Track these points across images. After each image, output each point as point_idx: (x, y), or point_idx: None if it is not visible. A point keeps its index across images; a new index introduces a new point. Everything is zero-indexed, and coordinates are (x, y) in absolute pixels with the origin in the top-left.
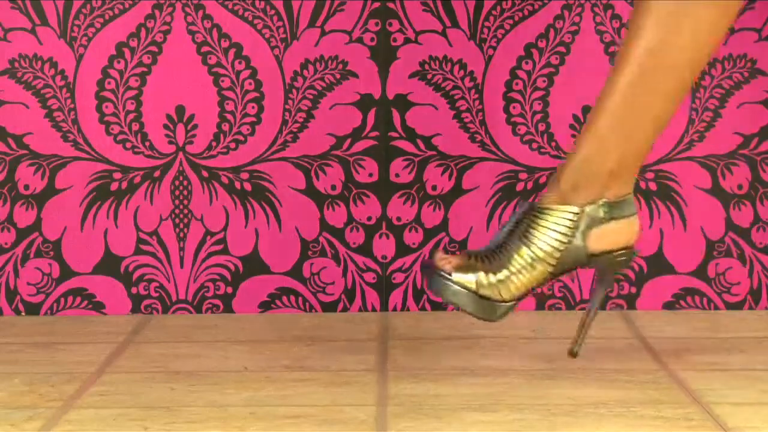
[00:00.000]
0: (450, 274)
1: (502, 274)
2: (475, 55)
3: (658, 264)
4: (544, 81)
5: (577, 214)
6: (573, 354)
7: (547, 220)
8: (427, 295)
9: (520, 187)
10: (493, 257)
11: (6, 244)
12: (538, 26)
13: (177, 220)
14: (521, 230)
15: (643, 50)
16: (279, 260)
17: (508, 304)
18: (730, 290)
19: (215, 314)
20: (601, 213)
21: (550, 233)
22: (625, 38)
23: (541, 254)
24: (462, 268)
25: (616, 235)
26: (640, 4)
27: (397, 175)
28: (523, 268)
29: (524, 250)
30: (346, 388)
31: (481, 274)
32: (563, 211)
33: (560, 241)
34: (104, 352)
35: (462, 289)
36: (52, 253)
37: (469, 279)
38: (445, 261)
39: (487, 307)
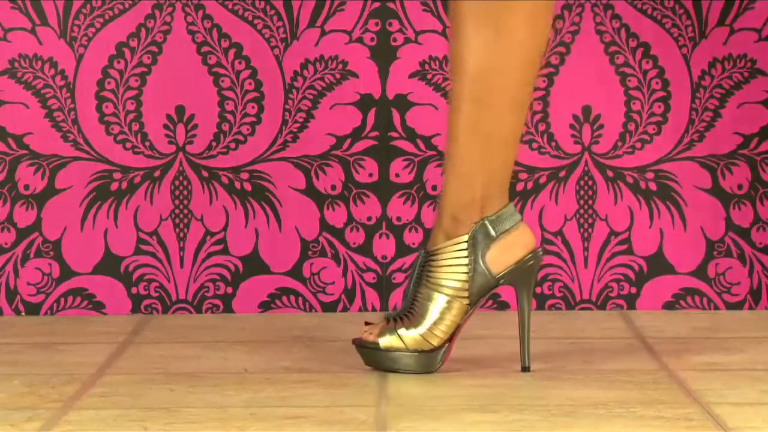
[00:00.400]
0: (377, 344)
1: (423, 326)
2: None
3: (658, 264)
4: (544, 81)
5: (467, 240)
6: (526, 369)
7: (444, 259)
8: None
9: (520, 187)
10: (410, 313)
11: (6, 244)
12: None
13: (177, 220)
14: (425, 278)
15: (471, 76)
16: (279, 260)
17: (442, 349)
18: (730, 290)
19: (215, 314)
20: (491, 231)
21: (452, 269)
22: (451, 61)
23: (452, 292)
24: (385, 334)
25: (511, 248)
26: (455, 18)
27: (397, 175)
28: (441, 313)
29: (435, 295)
30: (346, 389)
31: (403, 332)
32: (455, 244)
33: (464, 273)
34: (104, 352)
35: (396, 353)
36: (52, 253)
37: (396, 341)
38: (367, 333)
39: (425, 360)
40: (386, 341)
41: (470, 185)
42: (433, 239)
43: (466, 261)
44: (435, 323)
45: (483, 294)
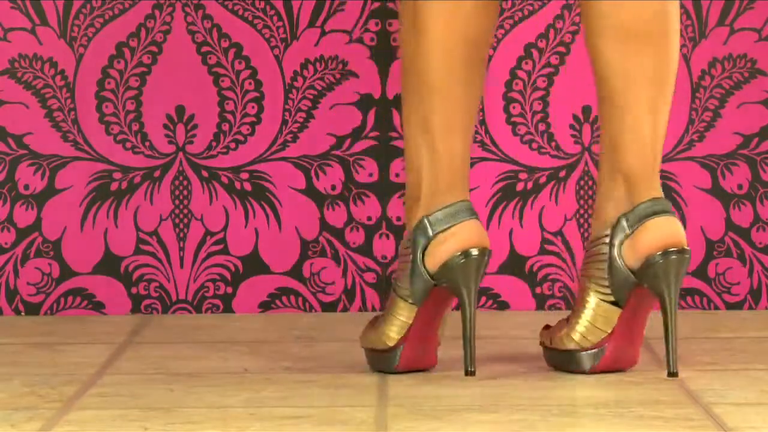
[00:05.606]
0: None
1: (384, 324)
2: None
3: None
4: (544, 81)
5: (408, 240)
6: (471, 373)
7: (399, 259)
8: None
9: (520, 187)
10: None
11: (6, 244)
12: (538, 26)
13: (177, 220)
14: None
15: (405, 69)
16: (279, 260)
17: (397, 349)
18: (730, 290)
19: (215, 314)
20: (429, 230)
21: (403, 268)
22: None
23: (402, 293)
24: (362, 333)
25: (444, 244)
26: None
27: (397, 175)
28: (395, 313)
29: (393, 294)
30: (346, 389)
31: (367, 331)
32: (404, 243)
33: (406, 271)
34: (104, 352)
35: (367, 351)
36: (52, 253)
37: (364, 340)
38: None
39: (379, 359)
40: (362, 341)
41: (418, 180)
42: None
43: (409, 260)
44: (387, 324)
45: (424, 295)
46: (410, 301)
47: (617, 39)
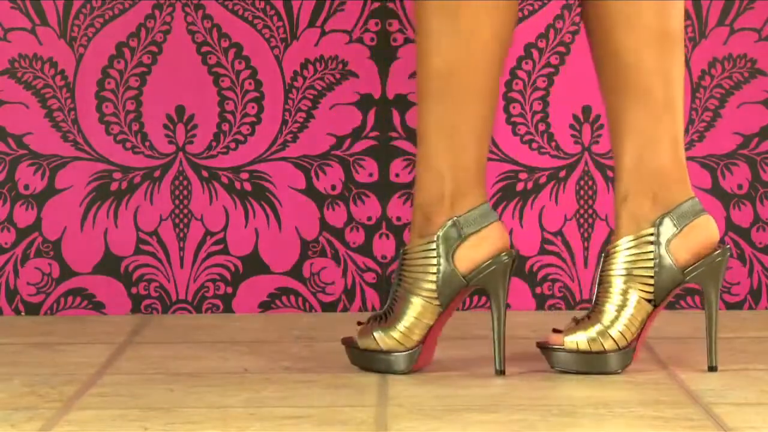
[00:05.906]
0: (356, 343)
1: (396, 328)
2: None
3: None
4: (544, 81)
5: (435, 241)
6: (501, 372)
7: (415, 259)
8: None
9: (520, 187)
10: (388, 313)
11: (6, 244)
12: (538, 26)
13: (177, 220)
14: (401, 278)
15: (435, 72)
16: (279, 260)
17: (414, 350)
18: (730, 290)
19: (215, 314)
20: (454, 233)
21: (423, 270)
22: (417, 58)
23: (422, 293)
24: (363, 334)
25: (477, 247)
26: (418, 16)
27: (397, 175)
28: (413, 314)
29: (408, 296)
30: (346, 389)
31: (378, 333)
32: (425, 244)
33: (433, 273)
34: (104, 352)
35: (373, 354)
36: (52, 253)
37: (372, 342)
38: (355, 335)
39: (396, 361)
40: (364, 342)
41: (439, 182)
42: (410, 238)
43: (434, 262)
44: (406, 325)
45: (454, 295)
46: (436, 302)
47: (651, 38)
